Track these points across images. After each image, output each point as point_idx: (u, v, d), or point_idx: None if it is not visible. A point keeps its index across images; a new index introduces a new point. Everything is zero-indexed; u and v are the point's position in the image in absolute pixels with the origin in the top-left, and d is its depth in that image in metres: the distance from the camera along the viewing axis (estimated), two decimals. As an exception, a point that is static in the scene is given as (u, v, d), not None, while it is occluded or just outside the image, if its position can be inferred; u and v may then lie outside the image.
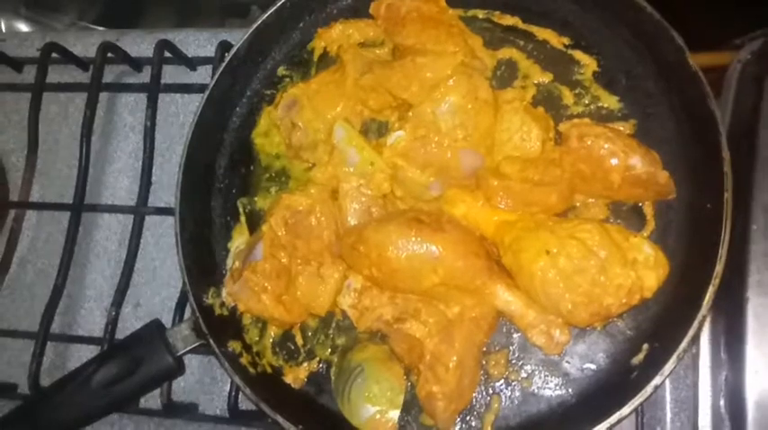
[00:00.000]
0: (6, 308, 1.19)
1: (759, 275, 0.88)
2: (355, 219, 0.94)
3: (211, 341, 0.92)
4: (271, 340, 0.97)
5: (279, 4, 1.02)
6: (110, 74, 1.23)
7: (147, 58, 1.19)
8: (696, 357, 0.94)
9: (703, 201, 0.86)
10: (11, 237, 1.20)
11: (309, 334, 0.96)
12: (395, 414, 0.89)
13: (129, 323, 1.12)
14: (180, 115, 1.21)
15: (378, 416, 0.88)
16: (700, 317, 0.81)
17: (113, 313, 1.06)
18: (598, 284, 0.82)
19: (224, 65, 1.01)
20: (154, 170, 1.13)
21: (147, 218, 1.13)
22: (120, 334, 1.04)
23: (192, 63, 1.21)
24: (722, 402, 0.92)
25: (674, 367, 0.81)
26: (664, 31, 0.89)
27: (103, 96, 1.22)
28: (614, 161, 0.86)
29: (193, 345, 0.94)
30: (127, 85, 1.25)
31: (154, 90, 1.14)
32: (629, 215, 0.91)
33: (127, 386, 0.93)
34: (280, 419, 0.87)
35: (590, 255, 0.82)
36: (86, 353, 1.12)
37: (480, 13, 1.01)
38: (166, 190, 1.17)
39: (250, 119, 1.05)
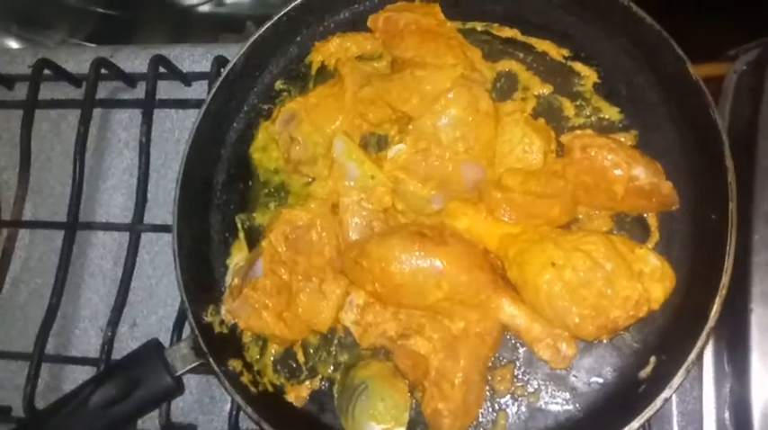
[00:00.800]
0: (-1, 328, 1.17)
1: (762, 286, 0.88)
2: (356, 234, 0.93)
3: (211, 360, 0.90)
4: (272, 358, 0.95)
5: (275, 18, 1.02)
6: (103, 90, 1.22)
7: (142, 73, 1.18)
8: (700, 370, 0.93)
9: (707, 211, 0.86)
10: (3, 257, 1.18)
11: (311, 351, 0.95)
12: (400, 431, 0.88)
13: (126, 343, 1.10)
14: (175, 131, 1.20)
15: (383, 434, 0.87)
16: (707, 328, 0.80)
17: (109, 333, 1.04)
18: (605, 297, 0.81)
19: (221, 79, 1.00)
20: (149, 187, 1.11)
21: (143, 235, 1.11)
22: (117, 354, 1.03)
23: (187, 78, 1.20)
24: (727, 414, 0.92)
25: (683, 380, 0.80)
26: (664, 42, 0.89)
27: (96, 113, 1.20)
28: (618, 172, 0.86)
29: (193, 365, 0.92)
30: (120, 101, 1.24)
31: (149, 105, 1.13)
32: (632, 227, 0.91)
33: (124, 407, 0.91)
34: (282, 438, 0.86)
35: (596, 268, 0.82)
36: (82, 374, 1.10)
37: (479, 26, 1.00)
38: (162, 207, 1.15)
39: (247, 134, 1.04)
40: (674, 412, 0.95)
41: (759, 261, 0.88)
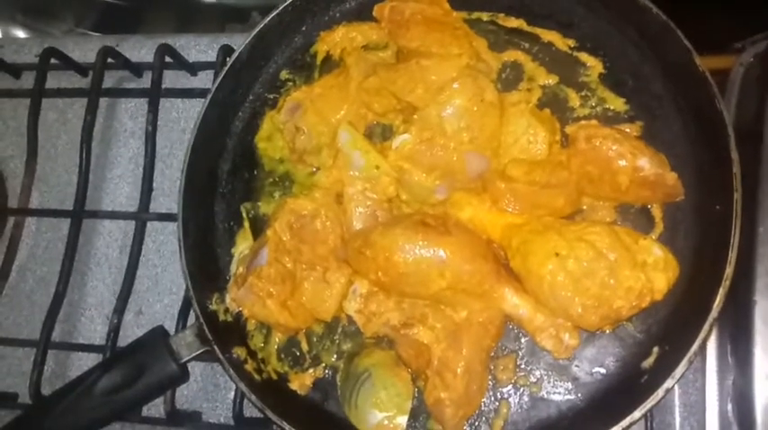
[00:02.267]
0: (6, 316, 1.18)
1: (767, 278, 0.88)
2: (361, 224, 0.93)
3: (216, 347, 0.91)
4: (276, 346, 0.96)
5: (281, 8, 1.02)
6: (109, 79, 1.22)
7: (148, 63, 1.19)
8: (704, 361, 0.94)
9: (712, 202, 0.86)
10: (10, 245, 1.19)
11: (315, 339, 0.95)
12: (403, 420, 0.88)
13: (131, 331, 1.11)
14: (181, 120, 1.21)
15: (386, 422, 0.87)
16: (710, 319, 0.80)
17: (115, 320, 1.05)
18: (608, 287, 0.81)
19: (226, 68, 1.00)
20: (155, 176, 1.12)
21: (149, 224, 1.12)
22: (122, 342, 1.04)
23: (193, 68, 1.21)
24: (730, 406, 0.92)
25: (685, 370, 0.80)
26: (670, 32, 0.88)
27: (103, 102, 1.21)
28: (622, 163, 0.85)
29: (198, 352, 0.93)
30: (127, 91, 1.24)
31: (155, 95, 1.13)
32: (637, 217, 0.91)
33: (130, 394, 0.91)
34: (286, 426, 0.86)
35: (599, 258, 0.82)
36: (88, 361, 1.11)
37: (485, 16, 1.00)
38: (168, 196, 1.16)
39: (253, 123, 1.05)
40: (677, 403, 0.95)
41: (764, 252, 0.88)
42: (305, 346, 0.95)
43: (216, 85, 1.00)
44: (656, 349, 0.86)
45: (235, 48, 1.03)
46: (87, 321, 1.16)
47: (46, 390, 1.03)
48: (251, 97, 1.06)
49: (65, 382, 0.95)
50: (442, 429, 0.87)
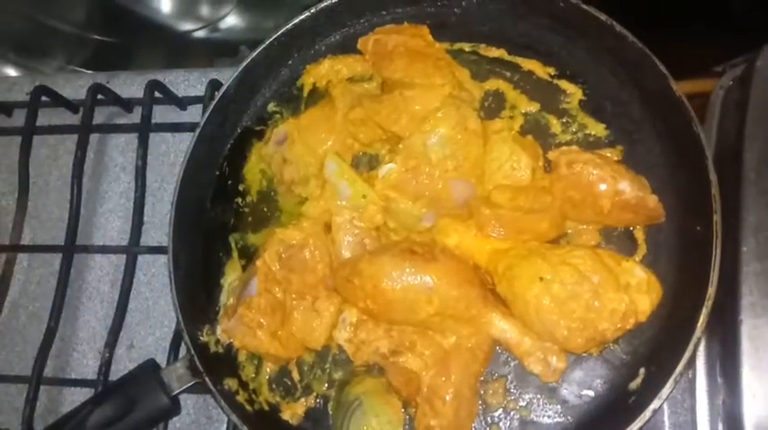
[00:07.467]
0: (-2, 352, 1.18)
1: (751, 297, 0.89)
2: (349, 252, 0.94)
3: (207, 379, 0.91)
4: (267, 376, 0.96)
5: (267, 43, 1.04)
6: (99, 115, 1.23)
7: (138, 98, 1.20)
8: (693, 381, 0.94)
9: (693, 224, 0.87)
10: (2, 281, 1.19)
11: (306, 369, 0.96)
12: (394, 447, 0.88)
13: (123, 365, 1.10)
14: (171, 154, 1.22)
15: (377, 450, 0.88)
16: (694, 339, 0.81)
17: (107, 354, 1.05)
18: (592, 309, 0.82)
19: (214, 103, 1.02)
20: (145, 209, 1.13)
21: (140, 257, 1.13)
22: (114, 376, 1.03)
23: (183, 102, 1.22)
24: (720, 426, 0.92)
25: (672, 391, 0.81)
26: (646, 59, 0.91)
27: (93, 137, 1.22)
28: (603, 187, 0.87)
29: (189, 384, 0.93)
30: (117, 126, 1.26)
31: (145, 130, 1.15)
32: (620, 240, 0.92)
33: (121, 428, 0.91)
34: (278, 456, 0.87)
35: (583, 281, 0.83)
36: (80, 396, 1.10)
37: (466, 46, 1.02)
38: (158, 229, 1.17)
39: (241, 155, 1.06)
40: (666, 423, 0.95)
41: (748, 272, 0.89)
42: (296, 376, 0.96)
43: (204, 119, 1.01)
44: (642, 370, 0.86)
45: (223, 82, 1.05)
46: (79, 356, 1.15)
47: (38, 426, 1.03)
48: (239, 130, 1.07)
49: (57, 418, 0.95)
50: (434, 456, 0.87)
